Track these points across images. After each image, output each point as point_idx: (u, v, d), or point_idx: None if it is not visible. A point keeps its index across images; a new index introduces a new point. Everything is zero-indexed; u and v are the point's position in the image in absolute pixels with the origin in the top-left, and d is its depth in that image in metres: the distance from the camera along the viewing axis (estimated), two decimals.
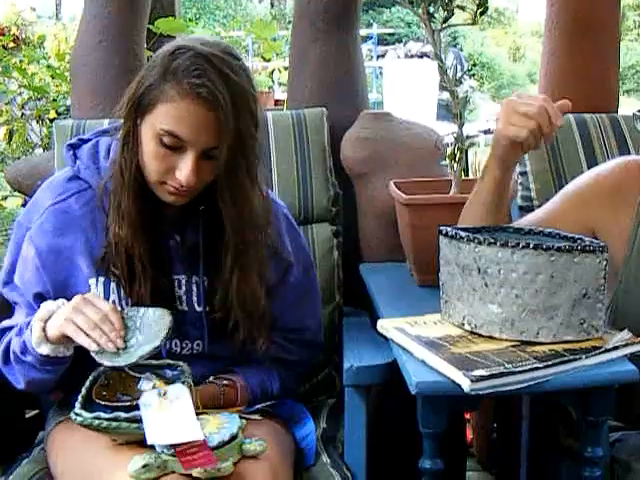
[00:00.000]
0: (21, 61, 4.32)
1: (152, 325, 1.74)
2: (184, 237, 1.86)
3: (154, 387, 1.67)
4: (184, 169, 1.71)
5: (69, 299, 1.78)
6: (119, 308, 1.80)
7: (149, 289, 1.81)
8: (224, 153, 1.70)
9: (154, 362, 1.77)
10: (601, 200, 1.99)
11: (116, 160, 1.79)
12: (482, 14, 2.11)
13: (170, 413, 1.60)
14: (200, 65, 1.67)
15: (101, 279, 1.84)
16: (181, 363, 1.79)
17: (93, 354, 1.69)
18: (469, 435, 3.05)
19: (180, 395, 1.64)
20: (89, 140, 1.93)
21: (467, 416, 2.96)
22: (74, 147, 1.92)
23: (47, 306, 1.76)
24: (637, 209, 1.95)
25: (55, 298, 1.81)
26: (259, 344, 1.88)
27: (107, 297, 1.83)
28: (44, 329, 1.74)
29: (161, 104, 1.69)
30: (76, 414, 1.65)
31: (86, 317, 1.70)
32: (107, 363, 1.69)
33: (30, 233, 1.86)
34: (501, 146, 1.86)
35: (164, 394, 1.63)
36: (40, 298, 1.83)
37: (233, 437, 1.60)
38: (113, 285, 1.84)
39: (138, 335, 1.72)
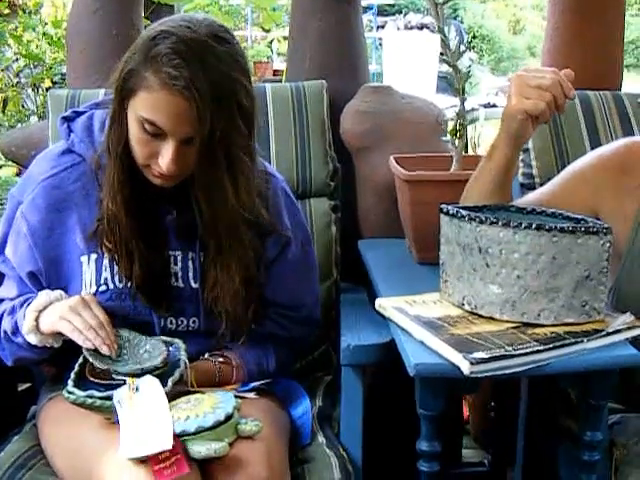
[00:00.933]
0: (16, 28, 4.27)
1: (141, 351, 1.73)
2: (180, 212, 1.82)
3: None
4: (165, 157, 1.67)
5: (61, 276, 1.77)
6: (111, 286, 1.80)
7: (142, 265, 1.78)
8: (197, 146, 1.67)
9: (154, 338, 1.76)
10: (605, 183, 1.95)
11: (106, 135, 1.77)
12: None
13: (142, 411, 1.56)
14: (180, 53, 1.61)
15: (93, 256, 1.82)
16: (176, 340, 1.78)
17: (86, 353, 1.68)
18: (465, 412, 3.04)
19: (152, 389, 1.60)
20: (83, 113, 1.90)
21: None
22: (68, 120, 1.89)
23: (44, 297, 1.75)
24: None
25: (47, 275, 1.80)
26: (241, 339, 1.88)
27: (99, 275, 1.81)
28: (37, 319, 1.73)
29: (141, 91, 1.64)
30: (69, 392, 1.63)
31: (82, 319, 1.69)
32: (99, 365, 1.67)
33: (22, 208, 1.83)
34: (517, 121, 1.82)
35: (135, 389, 1.60)
36: (33, 277, 1.82)
37: (228, 417, 1.58)
38: (105, 262, 1.82)
39: (125, 355, 1.72)
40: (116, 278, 1.81)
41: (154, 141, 1.67)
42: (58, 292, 1.77)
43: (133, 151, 1.72)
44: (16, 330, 1.77)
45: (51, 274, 1.81)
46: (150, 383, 1.61)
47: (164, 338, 1.78)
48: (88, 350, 1.68)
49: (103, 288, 1.81)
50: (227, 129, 1.66)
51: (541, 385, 2.20)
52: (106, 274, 1.82)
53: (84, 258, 1.82)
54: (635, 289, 1.87)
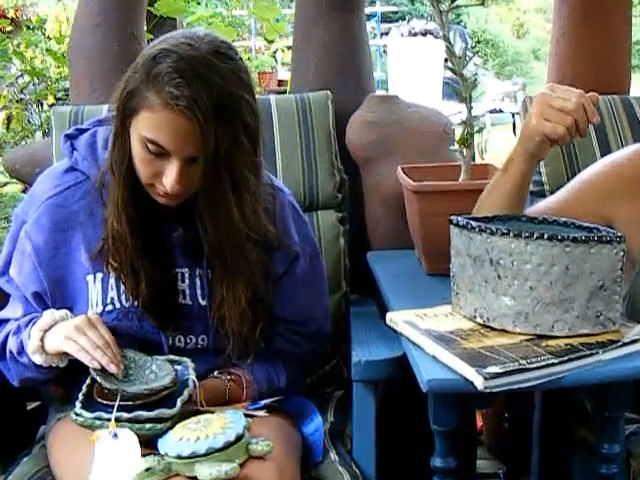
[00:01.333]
0: (19, 45, 4.28)
1: (147, 372, 1.71)
2: (186, 229, 1.80)
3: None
4: (169, 177, 1.66)
5: (67, 296, 1.76)
6: (118, 306, 1.79)
7: (149, 283, 1.77)
8: (201, 166, 1.64)
9: (160, 358, 1.74)
10: (620, 191, 1.93)
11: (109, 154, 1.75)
12: None
13: (115, 458, 1.55)
14: (182, 72, 1.59)
15: (99, 275, 1.80)
16: (184, 359, 1.76)
17: (93, 373, 1.66)
18: (479, 423, 3.02)
19: (128, 442, 1.57)
20: (86, 130, 1.89)
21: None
22: (71, 137, 1.88)
23: (49, 316, 1.73)
24: None
25: (52, 296, 1.79)
26: (249, 359, 1.86)
27: (105, 294, 1.80)
28: (42, 339, 1.71)
29: (143, 111, 1.62)
30: (76, 414, 1.62)
31: (88, 339, 1.67)
32: (107, 385, 1.65)
33: (26, 227, 1.82)
34: (534, 142, 1.80)
35: (115, 435, 1.57)
36: (37, 297, 1.81)
37: (239, 437, 1.55)
38: (112, 281, 1.80)
39: (132, 375, 1.70)
40: (123, 297, 1.79)
41: (157, 160, 1.66)
42: (63, 312, 1.75)
43: (137, 170, 1.70)
44: (21, 350, 1.76)
45: (56, 294, 1.80)
46: (128, 436, 1.58)
47: (171, 357, 1.77)
48: (95, 370, 1.66)
49: (110, 308, 1.79)
50: (231, 148, 1.65)
51: (556, 395, 2.17)
52: (112, 293, 1.80)
53: (90, 277, 1.80)
54: None
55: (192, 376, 1.70)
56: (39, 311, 1.80)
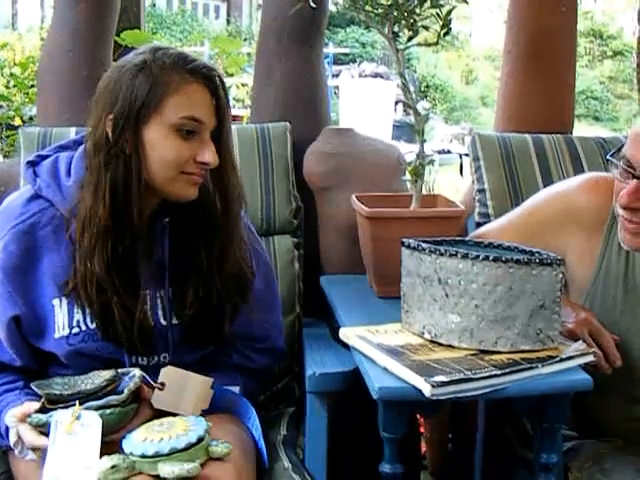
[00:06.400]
0: None
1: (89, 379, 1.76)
2: (151, 252, 1.85)
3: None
4: (206, 149, 1.77)
5: (39, 319, 1.81)
6: (83, 328, 1.82)
7: (119, 312, 1.79)
8: (225, 131, 1.81)
9: (105, 374, 1.76)
10: (571, 227, 2.05)
11: (90, 189, 1.77)
12: (446, 35, 2.17)
13: (75, 442, 1.61)
14: (185, 55, 1.77)
15: (65, 299, 1.82)
16: (133, 370, 1.78)
17: (38, 390, 1.72)
18: (423, 448, 3.09)
19: (91, 425, 1.63)
20: (48, 156, 1.91)
21: (421, 430, 3.00)
22: (33, 164, 1.88)
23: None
24: (605, 234, 2.02)
25: (27, 319, 1.81)
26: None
27: (71, 317, 1.82)
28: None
29: (171, 97, 1.73)
30: (31, 418, 1.67)
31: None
32: (53, 391, 1.71)
33: None
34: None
35: (77, 417, 1.63)
36: (16, 322, 1.82)
37: (200, 439, 1.64)
38: (77, 303, 1.82)
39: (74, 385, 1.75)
40: (88, 319, 1.81)
41: (190, 142, 1.76)
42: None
43: (162, 170, 1.77)
44: None
45: (30, 317, 1.81)
46: (92, 419, 1.64)
47: (121, 370, 1.78)
48: (38, 387, 1.72)
49: (76, 330, 1.82)
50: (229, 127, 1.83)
51: (497, 416, 2.27)
52: (78, 316, 1.82)
53: (56, 301, 1.82)
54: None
55: (137, 371, 1.75)
56: (17, 342, 1.83)
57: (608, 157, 1.94)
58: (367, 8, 2.16)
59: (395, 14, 2.15)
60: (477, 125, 16.97)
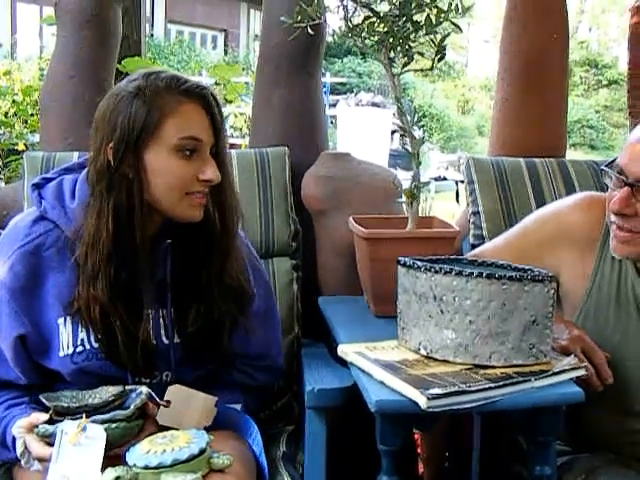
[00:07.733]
0: None
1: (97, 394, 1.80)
2: (153, 273, 1.88)
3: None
4: (208, 167, 1.81)
5: (44, 339, 1.85)
6: (87, 347, 1.85)
7: (122, 334, 1.82)
8: (222, 147, 1.85)
9: (113, 390, 1.79)
10: (564, 244, 2.09)
11: (94, 215, 1.80)
12: (440, 60, 2.22)
13: (79, 453, 1.65)
14: (178, 76, 1.82)
15: (69, 318, 1.85)
16: (140, 387, 1.81)
17: (46, 402, 1.75)
18: (420, 467, 3.12)
19: (96, 438, 1.67)
20: (53, 179, 1.94)
21: (419, 450, 3.03)
22: (39, 187, 1.92)
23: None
24: (598, 251, 2.07)
25: (33, 339, 1.84)
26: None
27: (76, 336, 1.85)
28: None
29: (169, 119, 1.77)
30: (38, 428, 1.71)
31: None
32: (61, 404, 1.75)
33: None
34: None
35: (83, 429, 1.67)
36: (22, 339, 1.85)
37: (202, 451, 1.68)
38: (82, 322, 1.84)
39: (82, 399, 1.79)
40: (92, 338, 1.85)
41: (191, 160, 1.80)
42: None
43: (167, 193, 1.81)
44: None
45: (36, 336, 1.84)
46: (97, 432, 1.67)
47: (128, 387, 1.82)
48: (47, 399, 1.75)
49: (80, 349, 1.85)
50: (225, 142, 1.88)
51: (492, 434, 2.31)
52: (82, 335, 1.85)
53: (61, 320, 1.85)
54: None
55: (144, 388, 1.78)
56: (22, 361, 1.86)
57: (603, 167, 2.00)
58: (364, 35, 2.21)
59: (391, 41, 2.19)
60: (473, 154, 16.98)
